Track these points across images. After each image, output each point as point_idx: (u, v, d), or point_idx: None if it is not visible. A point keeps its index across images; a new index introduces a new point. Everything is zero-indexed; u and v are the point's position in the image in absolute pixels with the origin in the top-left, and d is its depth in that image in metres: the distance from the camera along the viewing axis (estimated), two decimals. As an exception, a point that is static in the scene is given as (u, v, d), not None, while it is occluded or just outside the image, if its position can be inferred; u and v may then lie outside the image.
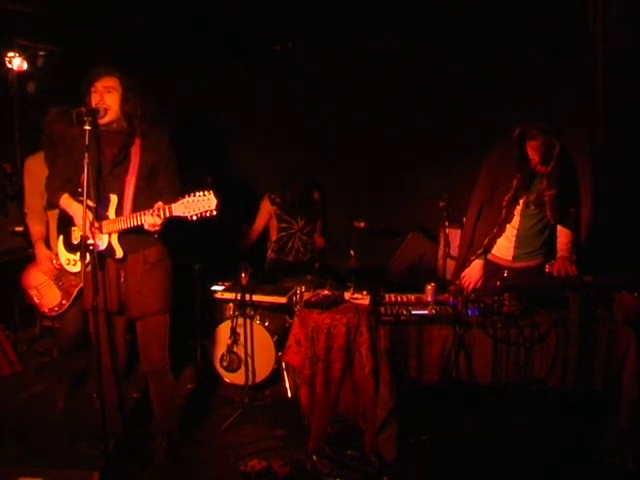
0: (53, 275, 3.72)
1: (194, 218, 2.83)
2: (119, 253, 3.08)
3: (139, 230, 3.04)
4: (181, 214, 2.84)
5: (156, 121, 3.16)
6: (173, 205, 2.86)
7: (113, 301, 3.13)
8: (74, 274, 3.23)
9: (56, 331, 3.91)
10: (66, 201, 3.14)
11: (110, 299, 3.12)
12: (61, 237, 3.27)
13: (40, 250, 3.74)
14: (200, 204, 2.81)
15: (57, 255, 3.38)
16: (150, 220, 2.93)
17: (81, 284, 3.50)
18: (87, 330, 3.74)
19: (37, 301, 3.77)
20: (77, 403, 4.02)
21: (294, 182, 4.90)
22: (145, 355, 3.27)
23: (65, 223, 3.25)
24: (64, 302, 3.73)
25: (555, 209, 3.42)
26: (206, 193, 2.82)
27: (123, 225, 3.01)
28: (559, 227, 3.50)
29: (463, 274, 3.61)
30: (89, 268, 2.97)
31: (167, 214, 2.88)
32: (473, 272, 3.58)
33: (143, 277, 3.14)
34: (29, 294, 3.79)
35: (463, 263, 3.66)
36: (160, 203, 2.92)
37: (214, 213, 2.82)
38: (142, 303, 3.15)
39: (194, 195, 2.83)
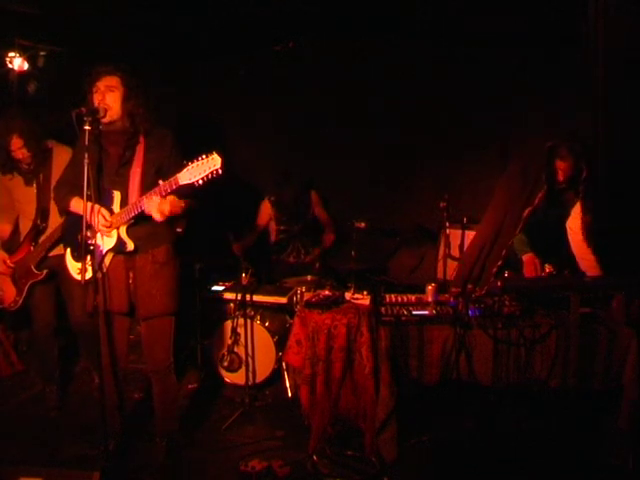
0: (8, 274, 3.80)
1: (201, 182, 2.77)
2: (130, 246, 3.05)
3: (148, 228, 3.05)
4: (188, 181, 2.79)
5: (157, 121, 3.15)
6: (178, 174, 2.81)
7: (123, 301, 3.13)
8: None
9: (31, 313, 3.95)
10: (77, 203, 3.12)
11: (120, 299, 3.12)
12: (68, 249, 3.27)
13: None
14: (205, 166, 2.75)
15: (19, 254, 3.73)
16: (154, 205, 2.89)
17: (34, 280, 3.75)
18: (61, 312, 3.94)
19: None
20: (77, 403, 4.03)
21: (289, 182, 4.91)
22: (149, 355, 3.27)
23: (71, 233, 3.24)
24: (17, 299, 3.82)
25: (591, 234, 3.46)
26: (209, 154, 2.76)
27: (130, 213, 2.99)
28: (576, 246, 3.51)
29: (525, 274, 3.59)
30: (89, 268, 2.98)
31: (174, 186, 2.84)
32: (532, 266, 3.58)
33: (152, 277, 3.13)
34: None
35: (471, 269, 3.64)
36: (160, 181, 2.90)
37: (220, 172, 2.74)
38: (150, 304, 3.14)
39: (197, 160, 2.78)
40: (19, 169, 3.70)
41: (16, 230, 3.85)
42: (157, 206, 2.92)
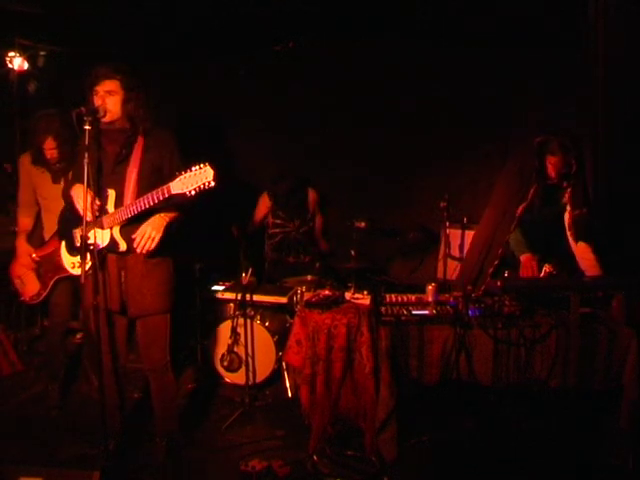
0: (32, 267, 3.85)
1: (193, 193, 2.77)
2: (122, 246, 3.06)
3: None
4: (180, 191, 2.80)
5: (157, 121, 3.15)
6: (171, 184, 2.82)
7: (115, 300, 3.13)
8: (78, 276, 3.25)
9: (49, 309, 3.99)
10: (75, 188, 3.13)
11: (112, 298, 3.12)
12: (63, 242, 3.29)
13: (20, 244, 3.88)
14: (197, 177, 2.75)
15: (39, 250, 3.79)
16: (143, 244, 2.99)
17: (61, 275, 3.72)
18: (77, 309, 4.03)
19: (20, 289, 3.92)
20: (77, 403, 4.03)
21: (285, 177, 4.92)
22: (146, 354, 3.27)
23: (67, 226, 3.25)
24: (42, 292, 3.86)
25: (578, 230, 3.45)
26: (202, 165, 2.76)
27: (123, 215, 3.00)
28: (576, 245, 3.50)
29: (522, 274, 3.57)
30: (90, 267, 3.00)
31: (166, 194, 2.85)
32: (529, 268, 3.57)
33: (143, 277, 3.13)
34: (15, 283, 3.94)
35: (472, 269, 3.63)
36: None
37: (212, 184, 2.75)
38: (141, 303, 3.14)
39: (190, 170, 2.78)
40: (48, 166, 3.77)
41: (38, 225, 3.91)
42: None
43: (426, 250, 4.80)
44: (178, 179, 2.80)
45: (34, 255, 3.82)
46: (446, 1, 4.45)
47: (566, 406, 3.03)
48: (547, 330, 3.11)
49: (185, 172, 2.79)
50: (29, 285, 3.86)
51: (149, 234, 3.03)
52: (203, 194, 2.81)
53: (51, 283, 3.81)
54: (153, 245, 3.04)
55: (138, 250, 3.04)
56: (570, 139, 3.38)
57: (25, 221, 3.91)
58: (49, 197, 3.80)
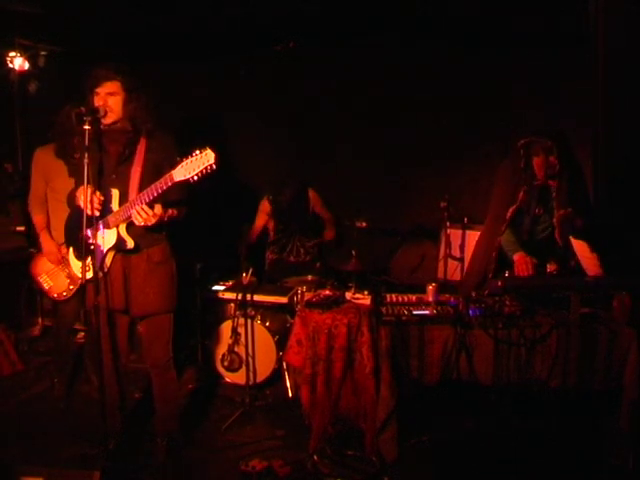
0: (59, 262, 3.86)
1: (195, 178, 2.77)
2: (130, 243, 3.06)
3: (145, 228, 3.05)
4: (183, 178, 2.79)
5: (158, 123, 3.15)
6: (173, 171, 2.81)
7: (118, 299, 3.13)
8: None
9: (59, 307, 4.01)
10: (79, 190, 3.11)
11: (115, 297, 3.12)
12: (71, 249, 3.28)
13: (45, 239, 3.91)
14: (199, 162, 2.74)
15: (62, 247, 3.71)
16: (144, 215, 2.93)
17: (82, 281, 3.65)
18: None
19: (46, 287, 3.92)
20: (77, 403, 4.03)
21: (287, 185, 4.92)
22: (148, 350, 3.29)
23: (73, 233, 3.23)
24: (71, 287, 3.87)
25: (563, 230, 3.44)
26: (202, 150, 2.75)
27: (128, 211, 2.98)
28: (577, 244, 3.49)
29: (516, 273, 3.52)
30: (90, 267, 3.00)
31: (169, 182, 2.84)
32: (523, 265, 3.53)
33: (146, 276, 3.14)
34: (38, 281, 3.93)
35: (476, 275, 3.62)
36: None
37: (214, 167, 2.73)
38: (144, 302, 3.15)
39: (191, 156, 2.77)
40: (68, 159, 3.74)
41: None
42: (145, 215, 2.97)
43: (422, 244, 4.80)
44: (180, 166, 2.79)
45: (62, 251, 3.81)
46: (446, 1, 4.45)
47: (566, 406, 3.03)
48: (547, 330, 3.11)
49: (186, 158, 2.78)
50: (57, 281, 3.86)
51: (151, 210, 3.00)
52: (206, 180, 2.79)
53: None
54: (153, 221, 2.99)
55: (136, 222, 2.98)
56: (553, 140, 3.36)
57: (40, 218, 3.94)
58: (61, 190, 3.77)
